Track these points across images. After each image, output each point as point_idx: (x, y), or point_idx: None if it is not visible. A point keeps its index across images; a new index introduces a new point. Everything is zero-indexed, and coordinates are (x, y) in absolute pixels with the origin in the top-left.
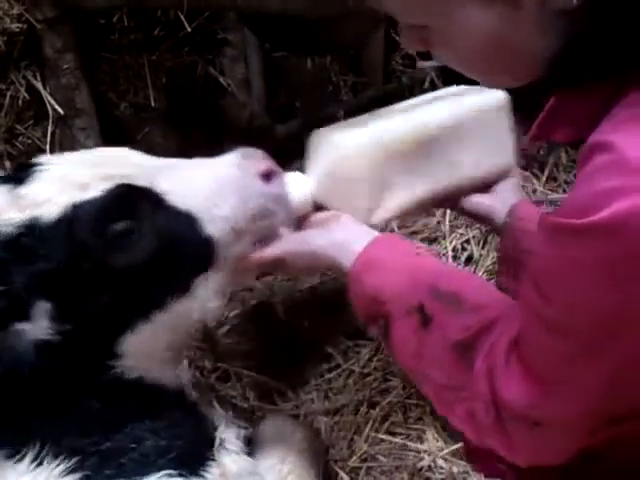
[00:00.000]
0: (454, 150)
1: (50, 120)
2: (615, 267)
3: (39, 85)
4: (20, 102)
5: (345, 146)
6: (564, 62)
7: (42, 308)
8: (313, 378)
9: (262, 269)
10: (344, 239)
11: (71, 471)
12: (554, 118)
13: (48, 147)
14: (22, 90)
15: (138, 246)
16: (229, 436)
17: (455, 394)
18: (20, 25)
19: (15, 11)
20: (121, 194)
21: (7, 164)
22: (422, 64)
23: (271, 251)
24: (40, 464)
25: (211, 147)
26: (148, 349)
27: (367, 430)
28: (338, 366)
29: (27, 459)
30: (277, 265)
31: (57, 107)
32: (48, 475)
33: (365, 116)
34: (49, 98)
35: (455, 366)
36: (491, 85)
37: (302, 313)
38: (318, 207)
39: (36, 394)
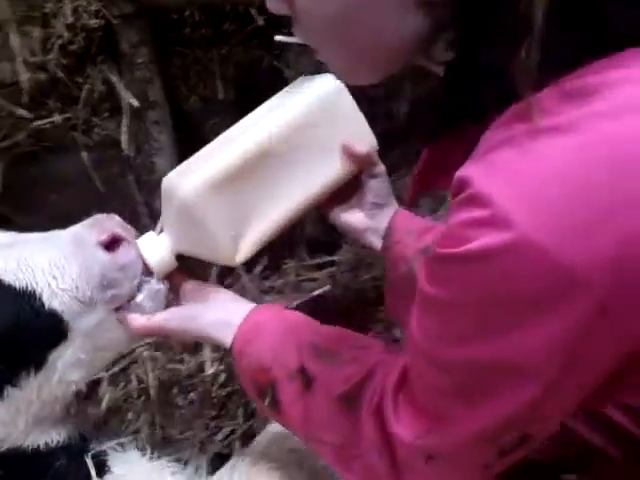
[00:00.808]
0: (305, 156)
1: (124, 112)
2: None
3: (115, 78)
4: (96, 95)
5: (184, 195)
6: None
7: None
8: None
9: (147, 334)
10: (226, 318)
11: None
12: (432, 170)
13: (123, 138)
14: (98, 83)
15: None
16: None
17: (349, 452)
18: (98, 21)
19: (93, 8)
20: None
21: (84, 155)
22: (280, 39)
23: (157, 321)
24: None
25: None
26: (10, 422)
27: None
28: None
29: None
30: (153, 333)
31: (132, 100)
32: None
33: (209, 147)
34: (124, 91)
35: (343, 421)
36: (352, 79)
37: (362, 303)
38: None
39: None
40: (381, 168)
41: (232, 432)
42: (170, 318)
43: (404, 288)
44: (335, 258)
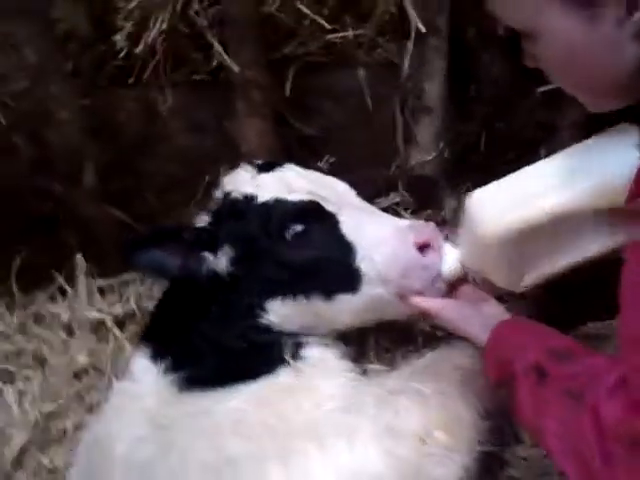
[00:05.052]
0: (591, 224)
1: (412, 35)
2: None
3: (407, 1)
4: (387, 17)
5: (486, 234)
6: None
7: (227, 252)
8: None
9: (420, 312)
10: (484, 322)
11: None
12: None
13: (405, 60)
14: (392, 4)
15: (303, 247)
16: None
17: (568, 443)
18: None
19: None
20: (310, 207)
21: (361, 72)
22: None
23: (432, 304)
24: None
25: None
26: (289, 316)
27: None
28: None
29: (162, 364)
30: (427, 314)
31: (420, 24)
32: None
33: (511, 181)
34: (414, 15)
35: (566, 414)
36: (596, 107)
37: None
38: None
39: (195, 310)
40: None
41: None
42: (446, 307)
43: None
44: None
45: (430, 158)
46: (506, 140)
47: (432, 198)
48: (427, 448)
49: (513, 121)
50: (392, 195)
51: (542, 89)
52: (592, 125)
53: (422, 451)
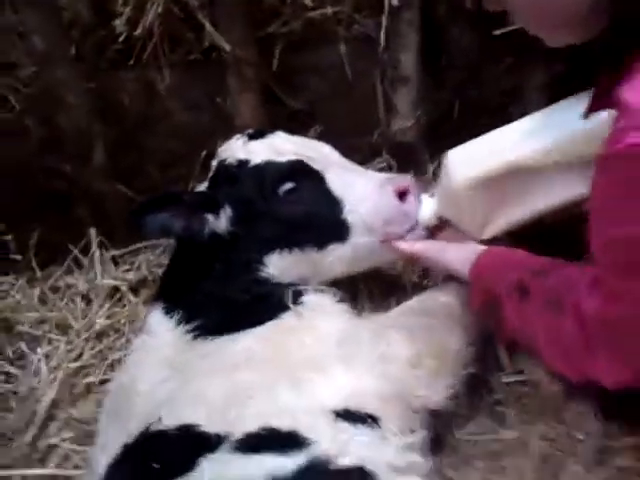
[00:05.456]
0: (559, 174)
1: (386, 10)
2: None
3: None
4: None
5: (459, 185)
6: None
7: (227, 212)
8: None
9: (398, 255)
10: (465, 257)
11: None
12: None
13: (381, 34)
14: None
15: (294, 203)
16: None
17: (555, 345)
18: None
19: None
20: (298, 167)
21: (342, 47)
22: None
23: (416, 247)
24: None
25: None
26: (286, 268)
27: None
28: None
29: (175, 317)
30: (413, 257)
31: (394, 0)
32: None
33: (482, 140)
34: None
35: (551, 320)
36: (555, 42)
37: None
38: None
39: (200, 269)
40: None
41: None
42: (429, 248)
43: None
44: None
45: (409, 125)
46: (478, 106)
47: (414, 162)
48: (416, 372)
49: (483, 88)
50: (377, 160)
51: (498, 32)
52: (554, 88)
53: (412, 374)
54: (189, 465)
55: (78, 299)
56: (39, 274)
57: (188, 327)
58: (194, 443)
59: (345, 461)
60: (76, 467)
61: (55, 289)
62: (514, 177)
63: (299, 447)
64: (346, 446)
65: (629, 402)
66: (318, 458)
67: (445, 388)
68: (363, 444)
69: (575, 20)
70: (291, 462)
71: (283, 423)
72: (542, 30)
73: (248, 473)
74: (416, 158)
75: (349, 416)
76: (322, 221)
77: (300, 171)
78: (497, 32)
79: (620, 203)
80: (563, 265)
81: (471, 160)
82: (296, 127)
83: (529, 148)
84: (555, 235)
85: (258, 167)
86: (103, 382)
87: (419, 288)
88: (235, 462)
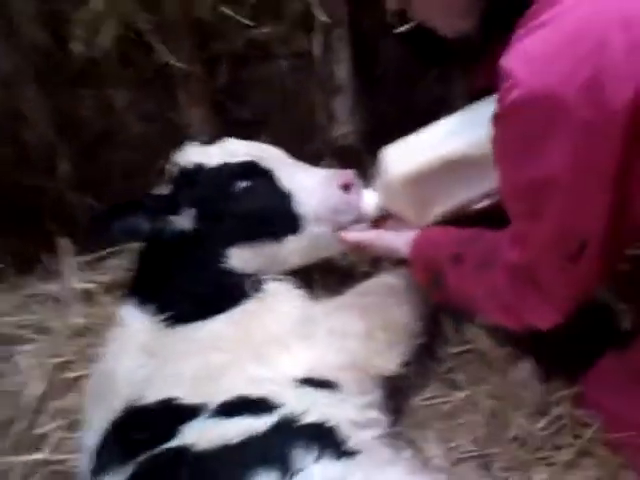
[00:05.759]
0: (482, 169)
1: (316, 28)
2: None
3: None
4: (298, 13)
5: (395, 180)
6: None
7: (188, 213)
8: None
9: (346, 246)
10: (404, 241)
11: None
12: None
13: (315, 49)
14: (298, 3)
15: (250, 200)
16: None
17: (493, 300)
18: None
19: None
20: (250, 166)
21: (282, 62)
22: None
23: (364, 236)
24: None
25: None
26: (248, 259)
27: None
28: None
29: (148, 309)
30: (358, 246)
31: (324, 17)
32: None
33: (413, 137)
34: (319, 10)
35: (486, 279)
36: (451, 30)
37: None
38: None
39: (168, 265)
40: None
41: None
42: (376, 237)
43: None
44: None
45: (348, 131)
46: (411, 111)
47: (355, 164)
48: (370, 344)
49: (415, 95)
50: (321, 164)
51: (399, 30)
52: (476, 96)
53: (366, 346)
54: (172, 432)
55: (54, 304)
56: (17, 283)
57: (161, 317)
58: (175, 414)
59: (310, 418)
60: (70, 452)
61: (32, 296)
62: (447, 169)
63: (269, 410)
64: (310, 406)
65: (562, 360)
66: (286, 417)
67: (398, 357)
68: (325, 404)
69: (467, 7)
70: (263, 422)
71: (254, 392)
72: (437, 21)
73: (226, 433)
74: (357, 159)
75: (311, 382)
76: (276, 214)
77: (253, 170)
78: (397, 30)
79: (517, 154)
80: (488, 231)
81: (406, 156)
82: (245, 136)
83: (459, 142)
84: (487, 217)
85: (214, 169)
86: (86, 376)
87: (370, 277)
88: (213, 425)
